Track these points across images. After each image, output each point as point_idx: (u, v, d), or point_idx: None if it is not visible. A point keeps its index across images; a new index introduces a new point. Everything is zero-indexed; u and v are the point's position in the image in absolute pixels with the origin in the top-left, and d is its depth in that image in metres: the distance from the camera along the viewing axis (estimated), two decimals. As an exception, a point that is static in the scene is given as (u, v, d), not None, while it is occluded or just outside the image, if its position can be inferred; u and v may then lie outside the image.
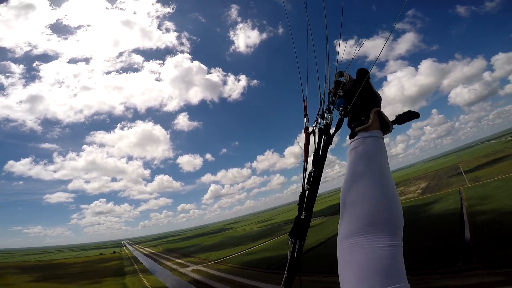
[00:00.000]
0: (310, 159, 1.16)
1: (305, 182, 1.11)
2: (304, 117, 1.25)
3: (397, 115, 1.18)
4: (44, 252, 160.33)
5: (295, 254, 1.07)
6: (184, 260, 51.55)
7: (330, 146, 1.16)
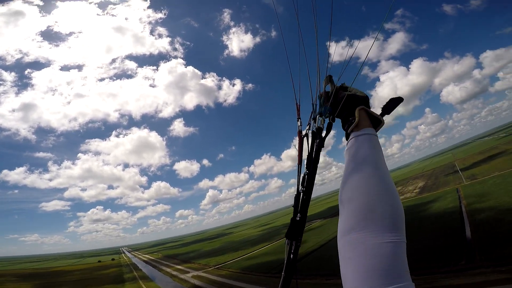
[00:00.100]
0: (305, 162, 1.19)
1: (300, 184, 1.14)
2: (297, 121, 1.29)
3: (382, 106, 1.22)
4: (42, 259, 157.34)
5: (292, 255, 1.08)
6: (184, 266, 50.98)
7: (324, 148, 1.20)
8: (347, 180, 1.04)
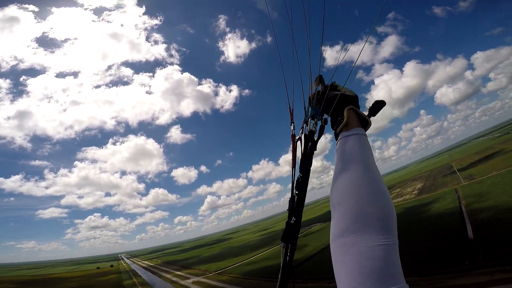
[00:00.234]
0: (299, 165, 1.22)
1: (294, 188, 1.15)
2: (291, 125, 1.31)
3: (369, 108, 1.23)
4: (40, 266, 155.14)
5: (288, 258, 1.09)
6: (184, 272, 50.43)
7: (321, 152, 1.18)
8: (337, 182, 1.04)
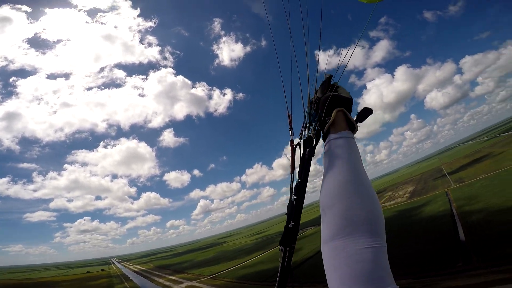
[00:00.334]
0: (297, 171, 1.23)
1: (292, 193, 1.17)
2: (289, 130, 1.32)
3: (357, 114, 1.25)
4: (28, 270, 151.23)
5: (286, 261, 1.12)
6: (177, 277, 49.70)
7: (314, 156, 1.23)
8: (326, 185, 1.06)
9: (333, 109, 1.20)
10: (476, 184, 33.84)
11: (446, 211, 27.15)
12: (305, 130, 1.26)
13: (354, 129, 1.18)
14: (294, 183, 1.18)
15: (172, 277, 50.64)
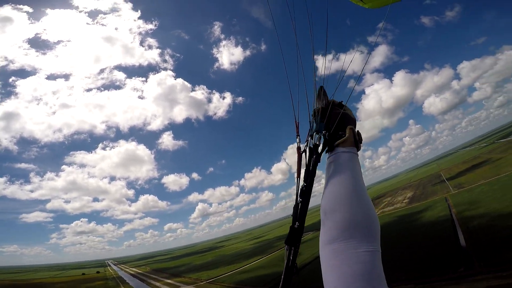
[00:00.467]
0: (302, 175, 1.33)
1: (298, 196, 1.26)
2: (296, 138, 1.42)
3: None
4: (22, 271, 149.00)
5: (291, 260, 1.19)
6: (175, 280, 49.13)
7: (319, 163, 1.34)
8: (331, 191, 1.17)
9: (343, 125, 1.33)
10: (476, 189, 33.85)
11: (446, 216, 27.13)
12: (311, 137, 1.36)
13: (358, 147, 1.32)
14: (300, 187, 1.27)
15: (169, 281, 50.11)
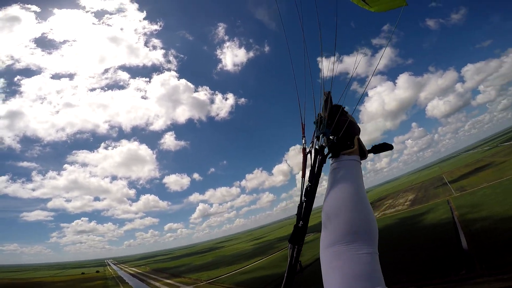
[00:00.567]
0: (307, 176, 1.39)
1: (302, 195, 1.32)
2: (302, 139, 1.48)
3: (374, 145, 1.45)
4: (21, 270, 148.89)
5: (294, 258, 1.24)
6: (174, 281, 49.09)
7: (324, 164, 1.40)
8: (335, 195, 1.22)
9: (350, 133, 1.40)
10: (478, 192, 33.66)
11: (448, 219, 27.02)
12: (317, 140, 1.42)
13: (364, 156, 1.38)
14: (305, 187, 1.33)
15: (168, 281, 50.06)
